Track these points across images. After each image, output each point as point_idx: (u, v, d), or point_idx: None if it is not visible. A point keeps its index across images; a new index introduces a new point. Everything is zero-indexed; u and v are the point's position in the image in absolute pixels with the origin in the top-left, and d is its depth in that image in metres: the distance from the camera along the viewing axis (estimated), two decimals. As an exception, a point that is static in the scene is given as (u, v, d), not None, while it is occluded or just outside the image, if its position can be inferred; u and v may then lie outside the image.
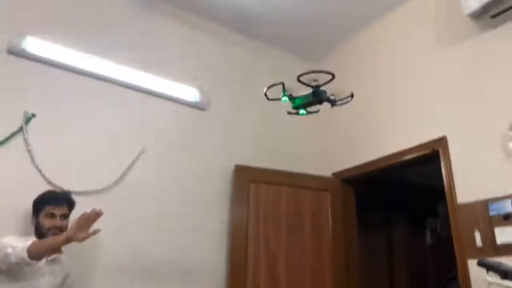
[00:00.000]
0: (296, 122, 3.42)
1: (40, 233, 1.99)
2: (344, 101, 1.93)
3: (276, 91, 1.86)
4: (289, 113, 1.98)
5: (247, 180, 2.96)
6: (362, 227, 3.42)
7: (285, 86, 1.84)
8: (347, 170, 3.20)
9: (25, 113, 2.35)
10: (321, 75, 1.78)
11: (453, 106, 2.55)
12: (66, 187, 2.30)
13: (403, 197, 4.30)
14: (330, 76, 1.74)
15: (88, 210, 1.80)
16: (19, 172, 2.26)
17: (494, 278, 1.79)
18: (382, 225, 4.45)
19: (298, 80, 1.74)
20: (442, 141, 2.55)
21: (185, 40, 3.13)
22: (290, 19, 3.25)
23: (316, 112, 1.98)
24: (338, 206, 3.17)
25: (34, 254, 1.73)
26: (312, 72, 1.75)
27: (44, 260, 1.90)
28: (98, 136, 2.57)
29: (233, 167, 2.97)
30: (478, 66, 2.46)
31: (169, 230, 2.65)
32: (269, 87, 1.87)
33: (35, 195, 2.09)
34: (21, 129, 2.32)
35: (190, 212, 2.76)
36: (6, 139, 2.27)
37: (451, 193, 2.43)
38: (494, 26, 2.40)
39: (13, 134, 2.29)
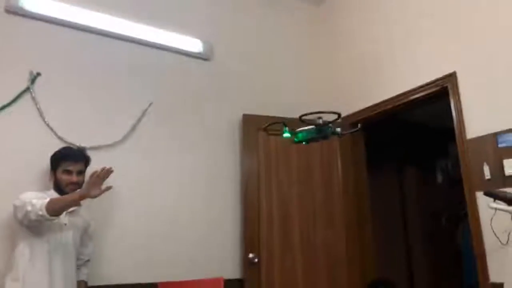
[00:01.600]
0: (302, 70, 3.40)
1: (59, 187, 2.07)
2: (351, 131, 1.85)
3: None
4: (292, 142, 1.93)
5: (255, 129, 2.98)
6: (373, 170, 3.44)
7: (286, 123, 1.80)
8: (355, 113, 3.17)
9: (30, 72, 2.36)
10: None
11: (462, 40, 2.47)
12: (77, 143, 2.35)
13: (414, 138, 4.28)
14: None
15: (100, 165, 1.88)
16: (31, 131, 2.32)
17: (500, 205, 1.81)
18: (393, 167, 4.46)
19: (301, 120, 1.69)
20: (452, 77, 2.50)
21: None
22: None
23: (317, 141, 1.89)
24: (347, 149, 3.18)
25: (52, 211, 1.81)
26: (316, 113, 1.69)
27: (63, 213, 2.00)
28: (104, 91, 2.58)
29: (240, 117, 2.98)
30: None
31: (181, 181, 2.72)
32: (269, 124, 1.89)
33: (48, 152, 2.15)
34: (28, 88, 2.34)
35: (201, 164, 2.82)
36: (15, 99, 2.30)
37: (461, 129, 2.41)
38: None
39: (20, 94, 2.32)
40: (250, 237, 2.78)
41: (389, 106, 2.93)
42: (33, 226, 1.90)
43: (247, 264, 2.72)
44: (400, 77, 2.86)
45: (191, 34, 2.95)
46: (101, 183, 1.86)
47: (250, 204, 2.85)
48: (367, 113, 3.09)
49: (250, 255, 2.72)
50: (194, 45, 2.94)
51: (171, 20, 2.90)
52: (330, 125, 1.75)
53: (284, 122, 1.81)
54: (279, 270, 2.79)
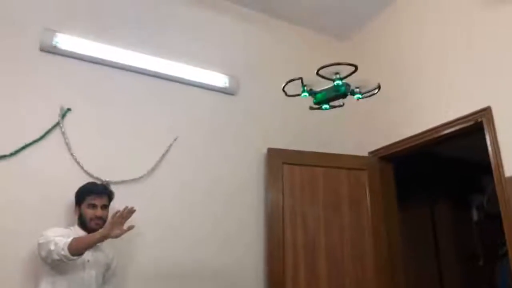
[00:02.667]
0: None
1: (83, 222, 2.08)
2: (370, 93, 1.82)
3: (297, 86, 1.78)
4: (311, 108, 1.89)
5: (280, 163, 2.93)
6: (403, 206, 3.31)
7: (304, 81, 1.75)
8: (385, 148, 3.08)
9: (61, 107, 2.43)
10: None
11: (497, 74, 2.37)
12: (104, 177, 2.37)
13: (445, 173, 4.12)
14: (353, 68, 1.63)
15: (125, 199, 1.92)
16: (59, 165, 2.35)
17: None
18: (424, 203, 4.28)
19: (318, 74, 1.65)
20: (486, 112, 2.39)
21: (212, 26, 3.10)
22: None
23: (341, 106, 1.87)
24: (376, 185, 3.07)
25: (74, 251, 1.81)
26: (332, 64, 1.64)
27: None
28: (131, 126, 2.61)
29: (265, 151, 2.94)
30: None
31: (205, 216, 2.67)
32: (287, 83, 1.78)
33: (75, 186, 2.17)
34: (58, 123, 2.40)
35: (225, 198, 2.77)
36: (45, 134, 2.35)
37: (498, 166, 2.29)
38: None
39: (51, 129, 2.37)
40: (275, 274, 2.68)
41: (420, 141, 2.83)
42: (56, 265, 1.90)
43: (272, 304, 2.61)
44: (431, 110, 2.77)
45: (217, 69, 2.98)
46: (123, 223, 1.86)
47: (274, 241, 2.75)
48: (397, 148, 3.00)
49: (276, 293, 2.61)
50: (220, 80, 2.96)
51: (197, 56, 2.94)
52: (348, 83, 1.67)
53: (302, 79, 1.74)
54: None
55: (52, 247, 1.82)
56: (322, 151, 3.04)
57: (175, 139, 2.71)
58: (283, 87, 1.80)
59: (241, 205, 2.82)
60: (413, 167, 3.53)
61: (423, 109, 2.84)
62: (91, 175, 2.37)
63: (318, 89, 1.79)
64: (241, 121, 3.00)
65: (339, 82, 1.69)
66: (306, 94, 1.78)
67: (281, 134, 3.06)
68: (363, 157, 3.17)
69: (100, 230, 1.89)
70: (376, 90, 1.82)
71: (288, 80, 1.78)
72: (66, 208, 2.24)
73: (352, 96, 1.78)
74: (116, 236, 1.86)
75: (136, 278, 2.38)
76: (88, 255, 2.00)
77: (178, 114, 2.78)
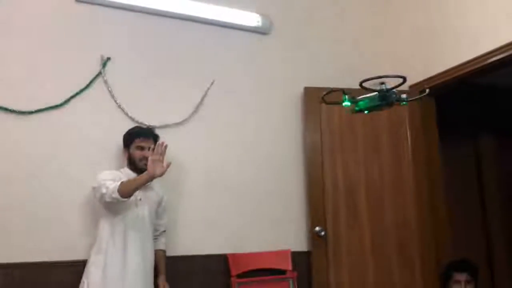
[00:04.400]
0: (365, 35, 3.24)
1: (133, 163, 2.22)
2: (417, 97, 1.73)
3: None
4: (352, 112, 1.82)
5: (318, 102, 2.90)
6: (446, 142, 3.23)
7: (346, 91, 1.71)
8: (426, 80, 2.97)
9: (101, 57, 2.50)
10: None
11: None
12: (146, 122, 2.47)
13: (493, 105, 3.92)
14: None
15: (169, 143, 2.00)
16: (104, 112, 2.47)
17: None
18: (468, 134, 4.12)
19: (361, 86, 1.58)
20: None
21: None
22: None
23: (381, 110, 1.79)
24: (417, 120, 3.00)
25: (124, 193, 1.94)
26: (378, 77, 1.58)
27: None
28: (170, 72, 2.67)
29: (302, 90, 2.93)
30: None
31: (245, 156, 2.76)
32: (327, 93, 1.76)
33: (121, 131, 2.30)
34: (99, 73, 2.48)
35: (264, 138, 2.83)
36: (89, 84, 2.45)
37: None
38: None
39: (94, 79, 2.47)
40: (316, 210, 2.76)
41: (463, 71, 2.70)
42: (110, 206, 2.06)
43: (314, 237, 2.72)
44: (473, 39, 2.62)
45: (249, 8, 2.92)
46: (162, 160, 1.96)
47: (314, 177, 2.81)
48: (437, 80, 2.88)
49: (317, 228, 2.71)
50: (253, 19, 2.91)
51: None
52: (394, 90, 1.62)
53: (344, 90, 1.72)
54: (347, 244, 2.75)
55: (104, 191, 1.96)
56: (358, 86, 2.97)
57: (212, 83, 2.74)
58: (322, 97, 1.75)
59: (280, 146, 2.87)
60: (455, 100, 3.41)
61: (469, 35, 2.67)
62: (135, 121, 2.49)
63: (360, 97, 1.73)
64: (276, 61, 2.97)
65: (385, 93, 1.61)
66: (348, 103, 1.72)
67: (317, 72, 3.01)
68: (403, 91, 3.08)
69: (145, 172, 2.00)
70: (423, 94, 1.73)
71: (328, 90, 1.77)
72: (114, 152, 2.39)
73: (398, 102, 1.70)
74: (160, 174, 1.96)
75: (185, 214, 2.54)
76: (139, 194, 2.15)
77: (213, 57, 2.80)
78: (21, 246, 2.19)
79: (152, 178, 1.98)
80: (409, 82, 3.08)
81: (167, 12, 2.69)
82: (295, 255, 2.68)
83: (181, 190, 2.56)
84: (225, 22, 2.84)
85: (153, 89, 2.60)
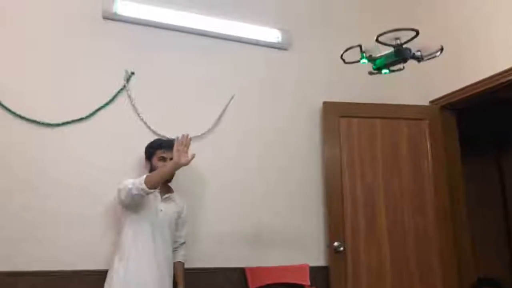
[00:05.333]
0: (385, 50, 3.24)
1: None
2: (432, 56, 1.75)
3: (355, 52, 1.76)
4: (370, 73, 1.86)
5: (337, 116, 2.92)
6: (468, 157, 3.18)
7: (363, 47, 1.73)
8: (447, 96, 2.95)
9: (126, 71, 2.58)
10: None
11: None
12: (169, 135, 2.52)
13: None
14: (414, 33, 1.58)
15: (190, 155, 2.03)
16: (127, 125, 2.54)
17: None
18: (491, 150, 4.05)
19: (377, 41, 1.62)
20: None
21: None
22: None
23: (401, 69, 1.84)
24: (438, 136, 2.97)
25: (151, 183, 1.98)
26: (392, 31, 1.61)
27: (159, 198, 2.18)
28: (191, 86, 2.72)
29: (321, 104, 2.94)
30: None
31: (265, 171, 2.78)
32: (345, 50, 1.78)
33: (143, 144, 2.36)
34: (124, 87, 2.56)
35: (283, 153, 2.85)
36: (114, 97, 2.53)
37: None
38: None
39: (118, 93, 2.54)
40: (335, 225, 2.75)
41: (485, 87, 2.67)
42: (134, 205, 2.09)
43: (332, 252, 2.69)
44: (494, 55, 2.59)
45: (269, 24, 2.97)
46: (187, 151, 2.01)
47: (333, 192, 2.80)
48: (459, 96, 2.86)
49: (336, 244, 2.69)
50: (273, 35, 2.96)
51: (249, 12, 2.94)
52: (409, 47, 1.65)
53: (361, 46, 1.74)
54: (366, 259, 2.72)
55: (130, 186, 2.01)
56: (380, 102, 2.97)
57: (233, 97, 2.79)
58: (341, 55, 1.79)
59: (299, 161, 2.88)
60: (477, 115, 3.36)
61: (491, 50, 2.66)
62: (157, 134, 2.54)
63: (378, 55, 1.76)
64: (295, 76, 3.00)
65: (400, 48, 1.65)
66: (365, 60, 1.77)
67: (336, 87, 3.03)
68: (423, 106, 3.07)
69: (170, 161, 2.06)
70: (439, 53, 1.75)
71: (346, 48, 1.77)
72: (136, 165, 2.45)
73: (413, 60, 1.73)
74: (185, 163, 2.01)
75: (205, 227, 2.57)
76: (160, 205, 2.19)
77: (233, 72, 2.85)
78: (43, 255, 2.25)
79: (177, 166, 2.03)
80: (431, 97, 3.08)
81: (189, 28, 2.77)
82: (313, 270, 2.66)
83: (200, 202, 2.59)
84: (246, 38, 2.89)
85: (174, 103, 2.66)
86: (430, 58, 1.77)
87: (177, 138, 2.06)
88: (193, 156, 2.03)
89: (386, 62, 1.74)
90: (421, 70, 3.14)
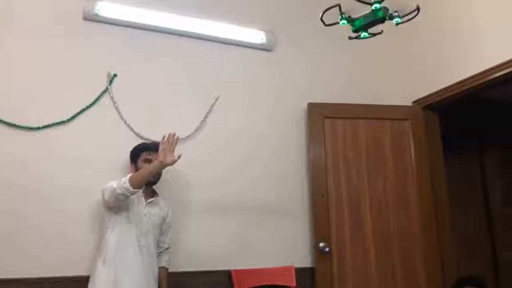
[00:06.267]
0: (367, 50, 3.26)
1: None
2: (410, 16, 1.76)
3: (334, 16, 1.77)
4: (350, 38, 1.87)
5: (322, 117, 2.93)
6: (450, 156, 3.23)
7: (343, 8, 1.73)
8: (429, 96, 3.00)
9: (108, 73, 2.54)
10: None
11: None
12: (153, 137, 2.49)
13: (497, 120, 3.93)
14: None
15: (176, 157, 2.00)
16: (111, 127, 2.50)
17: None
18: (472, 152, 4.13)
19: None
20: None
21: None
22: None
23: (379, 33, 1.84)
24: (420, 135, 3.01)
25: (135, 182, 1.94)
26: None
27: (144, 202, 2.16)
28: (175, 88, 2.70)
29: (305, 105, 2.95)
30: None
31: (250, 172, 2.77)
32: (324, 11, 1.76)
33: (126, 146, 2.33)
34: (106, 89, 2.52)
35: (267, 155, 2.84)
36: (96, 100, 2.49)
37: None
38: None
39: (100, 95, 2.50)
40: (320, 225, 2.76)
41: (466, 87, 2.72)
42: (118, 206, 2.06)
43: (318, 253, 2.71)
44: (477, 55, 2.64)
45: (254, 26, 2.96)
46: (173, 150, 1.98)
47: (318, 192, 2.81)
48: (441, 95, 2.91)
49: (321, 245, 2.70)
50: (257, 36, 2.95)
51: (233, 14, 2.93)
52: (386, 6, 1.66)
53: (340, 6, 1.74)
54: (351, 260, 2.74)
55: (115, 185, 1.97)
56: (364, 102, 3.00)
57: (217, 98, 2.77)
58: (321, 17, 1.78)
59: (284, 161, 2.88)
60: (458, 114, 3.42)
61: (470, 51, 2.71)
62: (141, 136, 2.51)
63: (355, 17, 1.77)
64: (280, 76, 3.00)
65: (377, 5, 1.66)
66: (345, 21, 1.77)
67: (321, 87, 3.04)
68: (406, 106, 3.11)
69: (155, 161, 2.02)
70: (415, 13, 1.75)
71: (325, 9, 1.75)
72: (120, 168, 2.40)
73: (391, 20, 1.74)
74: (171, 163, 1.97)
75: (189, 230, 2.55)
76: (145, 210, 2.17)
77: (217, 74, 2.83)
78: (25, 262, 2.19)
79: (162, 166, 2.00)
80: (413, 98, 3.12)
81: (172, 29, 2.74)
82: (299, 271, 2.67)
83: (185, 205, 2.56)
84: (230, 39, 2.88)
85: (158, 105, 2.63)
86: (407, 19, 1.77)
87: (163, 136, 2.02)
88: (179, 156, 1.99)
89: (365, 23, 1.75)
90: (405, 71, 3.21)
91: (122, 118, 2.52)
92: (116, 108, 2.52)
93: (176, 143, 2.00)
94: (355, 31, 1.79)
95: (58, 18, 2.51)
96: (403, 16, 1.75)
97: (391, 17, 1.72)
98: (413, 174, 2.95)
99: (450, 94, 2.85)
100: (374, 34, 1.82)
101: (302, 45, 3.10)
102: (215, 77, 2.82)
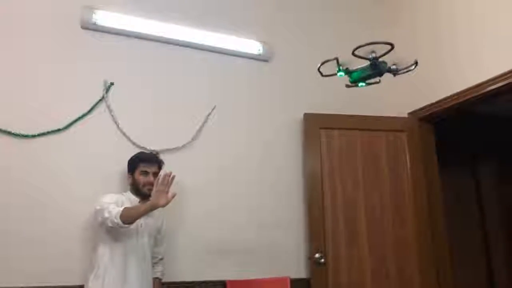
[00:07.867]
0: (363, 62, 3.29)
1: (136, 188, 2.21)
2: (407, 69, 1.80)
3: (332, 65, 1.79)
4: (347, 86, 1.90)
5: (317, 128, 2.94)
6: (445, 169, 3.24)
7: (340, 60, 1.76)
8: (425, 108, 3.01)
9: (105, 82, 2.54)
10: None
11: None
12: (149, 147, 2.49)
13: (492, 133, 3.96)
14: (389, 47, 1.63)
15: (170, 167, 2.01)
16: (106, 136, 2.49)
17: None
18: (466, 163, 4.16)
19: (353, 54, 1.65)
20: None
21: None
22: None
23: (377, 82, 1.88)
24: (416, 147, 3.03)
25: (126, 219, 1.93)
26: (368, 44, 1.65)
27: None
28: (172, 97, 2.70)
29: (302, 116, 2.96)
30: None
31: (245, 182, 2.76)
32: (322, 63, 1.80)
33: (123, 156, 2.32)
34: (102, 97, 2.52)
35: (264, 165, 2.85)
36: (92, 108, 2.48)
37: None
38: None
39: (96, 103, 2.50)
40: (315, 236, 2.75)
41: (461, 100, 2.74)
42: (111, 230, 2.04)
43: (313, 264, 2.69)
44: (473, 67, 2.67)
45: (250, 36, 2.98)
46: (167, 191, 1.93)
47: (314, 203, 2.81)
48: (437, 107, 2.93)
49: (316, 255, 2.69)
50: (255, 47, 2.97)
51: (231, 24, 2.95)
52: (385, 61, 1.70)
53: (337, 59, 1.76)
54: (347, 271, 2.73)
55: (106, 215, 1.95)
56: (360, 113, 3.01)
57: (213, 108, 2.78)
58: (319, 68, 1.81)
59: (279, 172, 2.88)
60: (454, 127, 3.44)
61: (466, 64, 2.73)
62: (137, 145, 2.50)
63: (354, 68, 1.80)
64: (276, 87, 3.02)
65: (375, 61, 1.69)
66: (342, 73, 1.79)
67: (317, 98, 3.05)
68: (401, 118, 3.12)
69: (148, 201, 1.99)
70: (413, 67, 1.80)
71: (323, 61, 1.79)
72: (116, 177, 2.40)
73: (389, 73, 1.77)
74: (163, 205, 1.93)
75: (184, 241, 2.53)
76: (141, 220, 2.14)
77: (214, 84, 2.84)
78: (19, 271, 2.17)
79: (154, 208, 1.97)
80: (409, 109, 3.14)
81: (170, 39, 2.75)
82: (294, 282, 2.66)
83: (180, 215, 2.55)
84: (227, 50, 2.90)
85: (155, 114, 2.63)
86: (405, 72, 1.80)
87: (159, 176, 1.98)
88: (173, 196, 1.95)
89: (362, 75, 1.77)
90: (401, 83, 3.22)
91: (118, 127, 2.51)
92: (113, 117, 2.52)
93: (171, 184, 1.95)
94: (352, 82, 1.80)
95: (56, 26, 2.52)
96: (401, 70, 1.77)
97: (389, 70, 1.73)
98: (408, 185, 2.96)
99: (445, 106, 2.87)
100: (371, 83, 1.84)
101: (298, 56, 3.12)
102: (212, 86, 2.83)
